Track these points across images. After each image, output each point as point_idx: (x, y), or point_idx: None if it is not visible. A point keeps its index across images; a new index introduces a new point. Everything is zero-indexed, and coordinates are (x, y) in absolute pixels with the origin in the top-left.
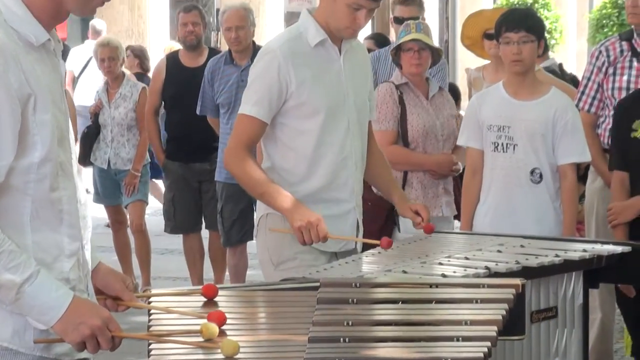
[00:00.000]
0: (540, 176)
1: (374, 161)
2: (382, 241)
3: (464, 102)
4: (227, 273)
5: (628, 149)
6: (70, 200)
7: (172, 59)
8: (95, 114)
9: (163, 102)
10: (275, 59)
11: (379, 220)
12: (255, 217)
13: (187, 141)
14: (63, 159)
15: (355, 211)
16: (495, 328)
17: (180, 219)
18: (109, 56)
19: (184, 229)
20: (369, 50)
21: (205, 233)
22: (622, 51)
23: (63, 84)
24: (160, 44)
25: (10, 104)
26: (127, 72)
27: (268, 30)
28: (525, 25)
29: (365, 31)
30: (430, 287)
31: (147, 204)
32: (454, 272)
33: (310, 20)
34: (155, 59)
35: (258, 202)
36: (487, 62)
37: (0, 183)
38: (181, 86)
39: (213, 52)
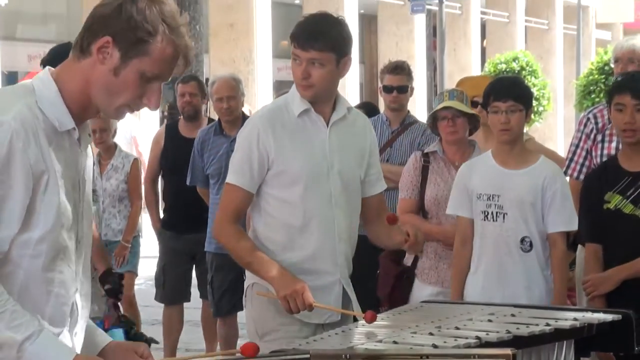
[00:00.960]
0: (531, 245)
1: (384, 230)
2: (366, 315)
3: None
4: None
5: (600, 221)
6: (63, 285)
7: (171, 128)
8: None
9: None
10: (255, 127)
11: (387, 286)
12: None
13: (182, 211)
14: (68, 245)
15: (342, 283)
16: None
17: (169, 289)
18: (100, 127)
19: (169, 299)
20: None
21: (198, 303)
22: (609, 118)
23: (82, 174)
24: (152, 118)
25: (25, 179)
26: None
27: (258, 99)
28: (513, 94)
29: (354, 100)
30: (421, 358)
31: (137, 275)
32: (445, 342)
33: (296, 90)
34: (150, 134)
35: (246, 271)
36: None
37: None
38: (178, 156)
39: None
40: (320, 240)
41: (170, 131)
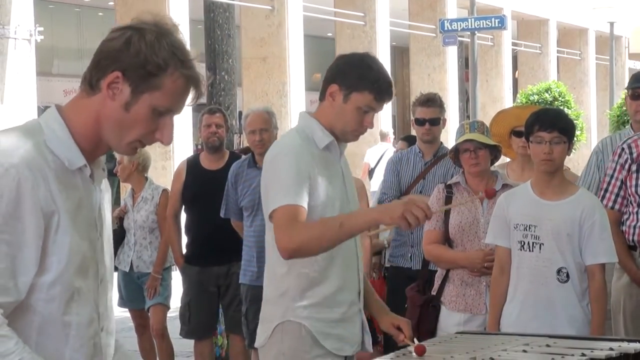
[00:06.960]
0: (567, 275)
1: None
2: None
3: None
4: None
5: None
6: (81, 327)
7: (193, 161)
8: (120, 218)
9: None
10: (299, 155)
11: (414, 316)
12: (260, 326)
13: (205, 244)
14: (81, 285)
15: (361, 312)
16: None
17: (195, 324)
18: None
19: (197, 334)
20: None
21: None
22: None
23: (98, 210)
24: (184, 148)
25: (36, 222)
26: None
27: None
28: (558, 125)
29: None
30: None
31: (169, 307)
32: None
33: (315, 123)
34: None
35: (272, 310)
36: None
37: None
38: (200, 189)
39: (234, 155)
40: (345, 271)
41: (192, 164)
